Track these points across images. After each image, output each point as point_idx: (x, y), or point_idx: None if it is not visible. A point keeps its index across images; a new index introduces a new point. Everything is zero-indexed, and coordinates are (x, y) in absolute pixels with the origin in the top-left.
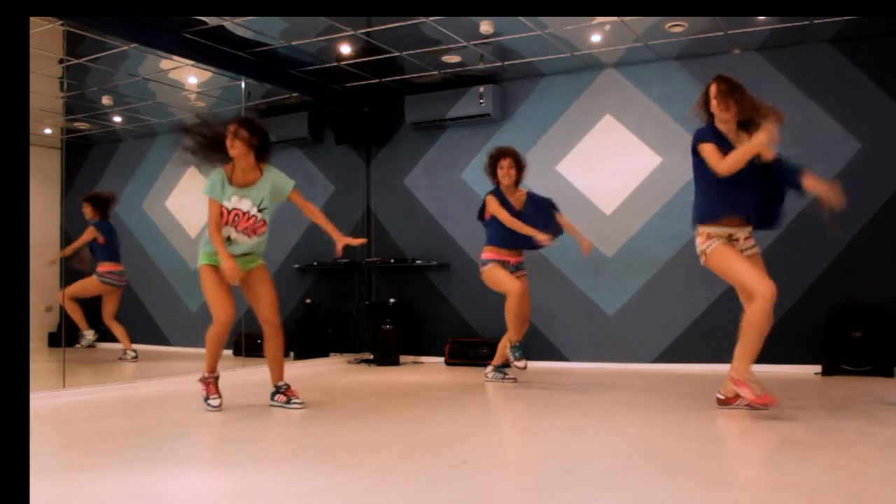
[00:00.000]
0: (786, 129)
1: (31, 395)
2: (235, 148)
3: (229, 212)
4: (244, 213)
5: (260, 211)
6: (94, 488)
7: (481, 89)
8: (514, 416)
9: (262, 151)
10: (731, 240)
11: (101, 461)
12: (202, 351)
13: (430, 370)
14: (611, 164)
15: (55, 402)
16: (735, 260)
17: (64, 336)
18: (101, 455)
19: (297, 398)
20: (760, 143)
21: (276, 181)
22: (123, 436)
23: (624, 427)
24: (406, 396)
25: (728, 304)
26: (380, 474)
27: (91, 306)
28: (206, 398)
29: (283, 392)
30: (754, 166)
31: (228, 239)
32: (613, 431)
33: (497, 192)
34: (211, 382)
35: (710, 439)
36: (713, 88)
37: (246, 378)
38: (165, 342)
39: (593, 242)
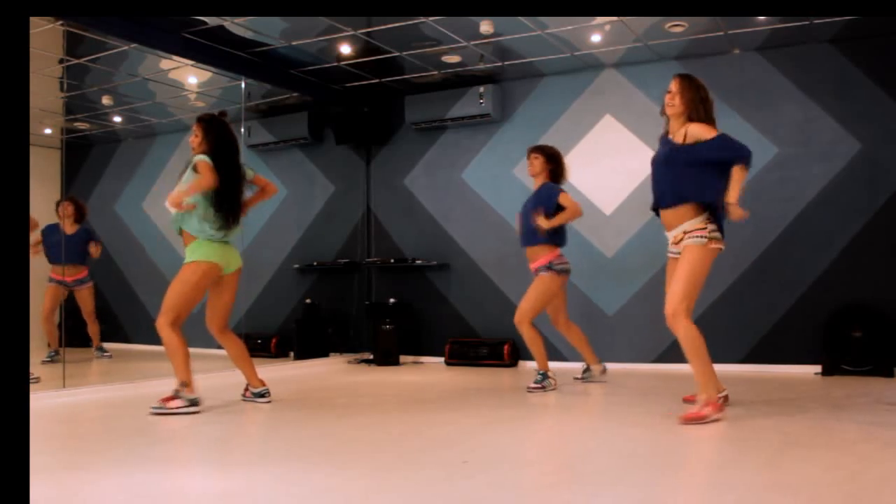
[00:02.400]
0: (786, 128)
1: (31, 395)
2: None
3: None
4: None
5: None
6: (94, 488)
7: (481, 89)
8: (513, 416)
9: None
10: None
11: (101, 461)
12: (202, 351)
13: (430, 370)
14: (611, 164)
15: (55, 402)
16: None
17: (64, 336)
18: (101, 455)
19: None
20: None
21: None
22: (123, 436)
23: (624, 427)
24: (406, 396)
25: (728, 304)
26: (380, 474)
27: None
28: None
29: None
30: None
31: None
32: (613, 431)
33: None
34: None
35: (710, 439)
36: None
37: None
38: None
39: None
